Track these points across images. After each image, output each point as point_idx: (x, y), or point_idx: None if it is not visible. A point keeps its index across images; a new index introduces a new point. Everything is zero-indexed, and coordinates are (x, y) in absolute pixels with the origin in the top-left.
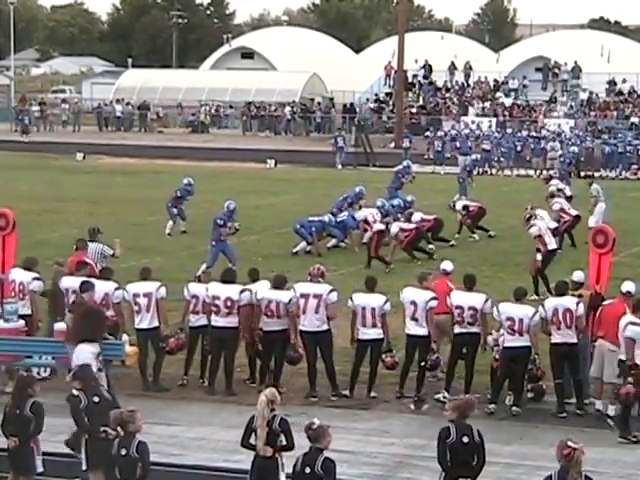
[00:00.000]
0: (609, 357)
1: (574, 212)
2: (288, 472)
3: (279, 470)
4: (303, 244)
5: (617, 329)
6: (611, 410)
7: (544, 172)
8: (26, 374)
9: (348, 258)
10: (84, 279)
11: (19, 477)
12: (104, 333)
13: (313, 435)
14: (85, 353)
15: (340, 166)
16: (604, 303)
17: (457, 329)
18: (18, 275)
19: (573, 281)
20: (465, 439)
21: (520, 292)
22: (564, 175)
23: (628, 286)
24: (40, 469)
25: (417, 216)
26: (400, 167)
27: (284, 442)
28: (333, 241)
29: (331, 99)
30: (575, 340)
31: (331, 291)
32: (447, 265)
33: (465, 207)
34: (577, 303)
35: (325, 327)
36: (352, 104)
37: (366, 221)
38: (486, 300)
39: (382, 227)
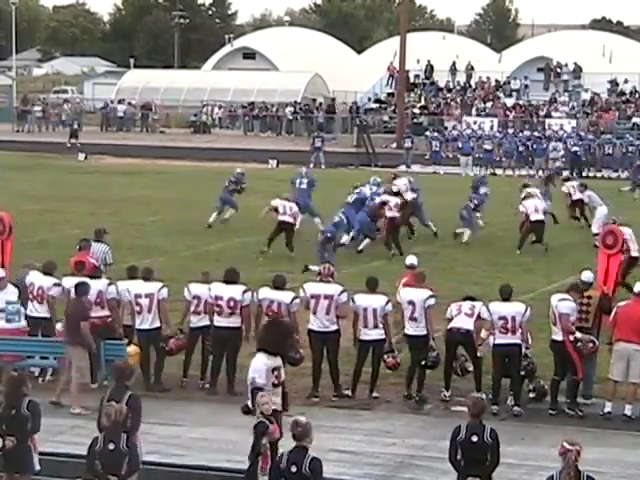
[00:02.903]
0: (637, 358)
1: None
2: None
3: (257, 472)
4: (367, 240)
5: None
6: (628, 410)
7: (545, 172)
8: (17, 373)
9: (350, 258)
10: (80, 281)
11: (15, 476)
12: (288, 351)
13: (301, 433)
14: (259, 364)
15: (318, 166)
16: (619, 304)
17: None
18: (38, 279)
19: (582, 281)
20: (474, 438)
21: (507, 290)
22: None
23: None
24: (37, 467)
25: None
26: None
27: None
28: (366, 241)
29: (333, 99)
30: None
31: (342, 292)
32: (412, 259)
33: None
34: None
35: (334, 327)
36: (334, 104)
37: (384, 203)
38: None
39: (394, 215)
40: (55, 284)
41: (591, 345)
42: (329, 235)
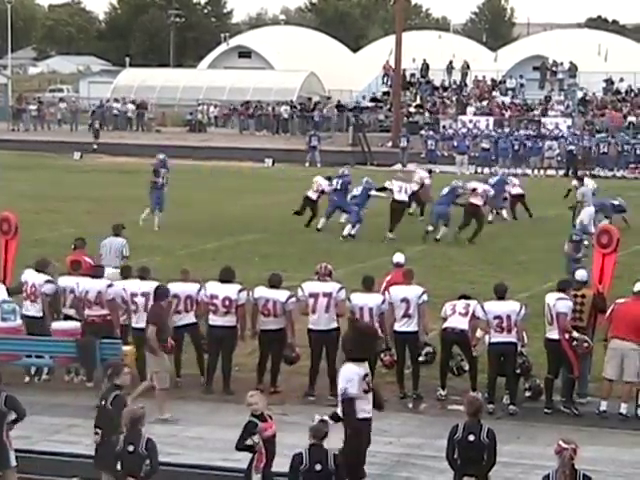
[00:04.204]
0: (631, 356)
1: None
2: (282, 471)
3: (251, 471)
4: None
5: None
6: (623, 409)
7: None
8: None
9: (348, 257)
10: (158, 284)
11: None
12: (374, 354)
13: (325, 434)
14: (351, 373)
15: (314, 165)
16: (617, 302)
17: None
18: (31, 277)
19: (576, 280)
20: (471, 437)
21: (501, 289)
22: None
23: None
24: (14, 463)
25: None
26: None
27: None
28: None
29: (328, 98)
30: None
31: (340, 289)
32: (399, 257)
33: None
34: (554, 303)
35: (334, 325)
36: (316, 103)
37: (474, 189)
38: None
39: (478, 202)
40: (47, 281)
41: (586, 345)
42: (578, 238)
